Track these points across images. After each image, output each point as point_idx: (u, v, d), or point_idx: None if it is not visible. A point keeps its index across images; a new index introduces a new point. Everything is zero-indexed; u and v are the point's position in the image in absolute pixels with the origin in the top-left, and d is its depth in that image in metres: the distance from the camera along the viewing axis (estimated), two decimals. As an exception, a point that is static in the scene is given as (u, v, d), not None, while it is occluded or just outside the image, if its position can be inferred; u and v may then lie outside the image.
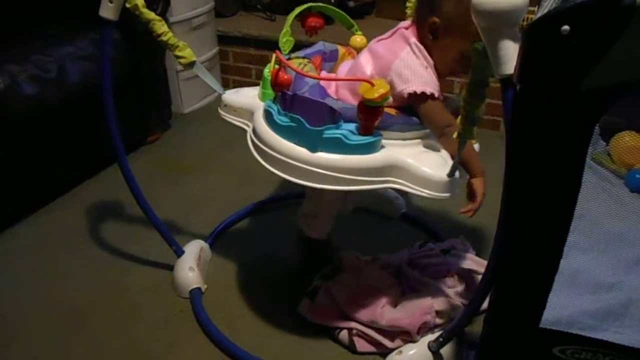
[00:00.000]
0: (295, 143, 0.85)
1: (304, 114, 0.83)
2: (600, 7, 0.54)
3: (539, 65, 0.60)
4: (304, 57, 1.00)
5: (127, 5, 0.94)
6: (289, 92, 0.87)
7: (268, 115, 0.90)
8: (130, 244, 1.37)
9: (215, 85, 1.06)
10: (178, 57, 1.00)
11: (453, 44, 0.90)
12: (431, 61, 0.92)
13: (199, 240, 1.30)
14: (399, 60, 0.91)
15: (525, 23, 0.65)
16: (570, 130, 0.62)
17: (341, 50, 1.09)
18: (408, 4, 1.07)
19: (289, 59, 0.99)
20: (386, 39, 0.98)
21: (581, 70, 0.58)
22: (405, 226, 1.43)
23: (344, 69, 1.03)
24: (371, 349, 1.03)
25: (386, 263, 1.14)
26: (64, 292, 1.23)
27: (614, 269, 1.01)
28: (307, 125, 0.83)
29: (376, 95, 0.79)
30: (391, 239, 1.37)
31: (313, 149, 0.84)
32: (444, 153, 0.89)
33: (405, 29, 0.95)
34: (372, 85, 0.79)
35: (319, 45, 1.07)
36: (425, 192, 0.85)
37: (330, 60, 1.07)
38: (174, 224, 1.43)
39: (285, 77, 0.92)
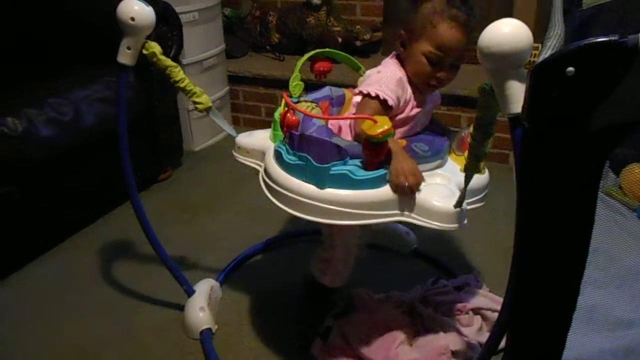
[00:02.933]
0: (304, 180, 0.88)
1: (311, 152, 0.87)
2: (604, 48, 0.55)
3: (545, 105, 0.61)
4: (312, 101, 1.03)
5: (145, 52, 0.97)
6: (297, 132, 0.90)
7: (278, 155, 0.93)
8: (140, 283, 1.37)
9: (229, 128, 1.10)
10: (196, 102, 1.03)
11: (416, 49, 0.94)
12: (403, 71, 0.97)
13: (210, 279, 1.29)
14: (374, 72, 0.99)
15: (532, 59, 0.67)
16: (580, 168, 0.62)
17: (348, 94, 1.12)
18: None
19: (298, 102, 1.02)
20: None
21: (587, 110, 0.58)
22: (417, 262, 1.42)
23: (349, 115, 1.06)
24: (386, 390, 1.00)
25: (399, 301, 1.13)
26: (73, 332, 1.22)
27: (632, 304, 0.99)
28: (314, 163, 0.85)
29: (378, 131, 0.80)
30: (403, 275, 1.36)
31: (321, 186, 0.86)
32: (451, 185, 0.90)
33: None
34: (375, 122, 0.81)
35: (326, 90, 1.10)
36: (433, 224, 0.86)
37: (337, 105, 1.10)
38: (184, 262, 1.43)
39: (293, 118, 0.95)
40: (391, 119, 0.92)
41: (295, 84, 1.05)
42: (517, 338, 0.78)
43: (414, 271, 1.37)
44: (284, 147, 0.91)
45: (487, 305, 1.10)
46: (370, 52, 2.26)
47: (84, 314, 1.28)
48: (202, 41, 2.01)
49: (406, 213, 0.87)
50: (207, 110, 1.05)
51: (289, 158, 0.90)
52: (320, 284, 1.15)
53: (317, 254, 1.15)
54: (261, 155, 1.02)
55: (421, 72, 0.95)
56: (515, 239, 0.73)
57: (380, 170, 0.86)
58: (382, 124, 0.81)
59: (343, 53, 1.16)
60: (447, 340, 0.98)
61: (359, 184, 0.85)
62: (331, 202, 0.86)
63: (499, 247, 1.43)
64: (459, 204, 0.85)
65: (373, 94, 0.92)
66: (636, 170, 1.44)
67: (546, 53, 0.74)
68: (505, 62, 0.65)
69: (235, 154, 1.09)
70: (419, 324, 1.07)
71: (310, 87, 1.11)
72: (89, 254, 1.50)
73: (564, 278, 0.70)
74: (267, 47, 2.35)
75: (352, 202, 0.85)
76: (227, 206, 1.74)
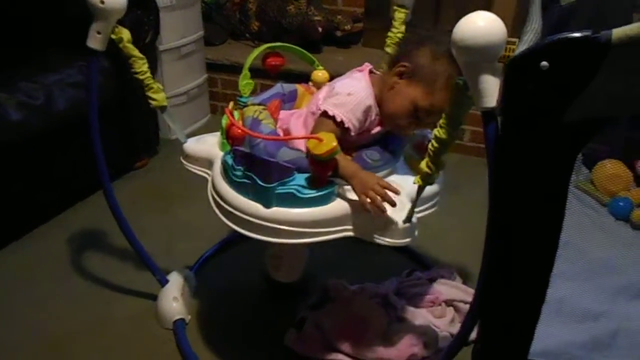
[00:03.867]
0: (250, 199, 0.86)
1: (255, 172, 0.84)
2: (577, 44, 0.56)
3: (520, 99, 0.61)
4: (259, 104, 1.00)
5: (113, 37, 0.95)
6: (241, 149, 0.88)
7: (225, 169, 0.91)
8: (113, 273, 1.34)
9: (180, 133, 1.07)
10: (151, 98, 1.01)
11: (410, 90, 0.89)
12: (372, 92, 0.92)
13: (184, 269, 1.28)
14: (341, 81, 0.94)
15: (508, 53, 0.67)
16: (552, 162, 0.63)
17: (300, 89, 1.10)
18: (390, 34, 1.09)
19: (246, 105, 1.00)
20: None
21: (560, 105, 0.59)
22: (392, 254, 1.42)
23: (302, 113, 1.02)
24: (359, 381, 1.01)
25: (374, 292, 1.13)
26: (44, 322, 1.20)
27: (600, 297, 1.02)
28: (260, 183, 0.83)
29: (324, 150, 0.79)
30: (378, 267, 1.36)
31: (267, 205, 0.84)
32: (402, 196, 0.86)
33: (359, 71, 0.97)
34: (320, 140, 0.80)
35: (277, 88, 1.08)
36: (383, 240, 0.85)
37: (289, 101, 1.07)
38: (158, 252, 1.40)
39: (239, 131, 0.92)
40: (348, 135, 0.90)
41: (245, 83, 1.02)
42: (487, 329, 0.79)
43: (389, 263, 1.37)
44: (229, 162, 0.89)
45: (459, 297, 1.12)
46: (351, 43, 2.25)
47: (56, 303, 1.26)
48: (180, 27, 1.97)
49: (355, 229, 0.86)
50: (161, 109, 1.02)
51: (235, 174, 0.87)
52: (275, 280, 1.16)
53: (268, 250, 1.14)
54: (209, 163, 1.00)
55: (400, 115, 0.91)
56: (487, 231, 0.73)
57: (328, 187, 0.85)
58: (328, 143, 0.79)
59: (296, 47, 1.14)
60: (419, 332, 0.99)
61: (306, 202, 0.84)
62: (278, 222, 0.84)
63: (474, 240, 1.42)
64: (408, 218, 0.83)
65: (338, 119, 0.88)
66: (608, 166, 1.47)
67: (522, 47, 0.74)
68: (480, 56, 0.65)
69: (183, 161, 1.06)
70: (392, 315, 1.07)
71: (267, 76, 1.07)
72: (61, 241, 1.47)
73: (534, 270, 0.71)
74: (247, 35, 2.31)
75: (299, 221, 0.84)
76: (203, 196, 1.68)
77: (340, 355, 1.01)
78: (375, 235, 0.85)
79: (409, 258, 1.39)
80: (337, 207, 0.86)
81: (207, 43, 2.20)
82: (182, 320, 1.17)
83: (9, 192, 1.39)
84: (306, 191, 0.84)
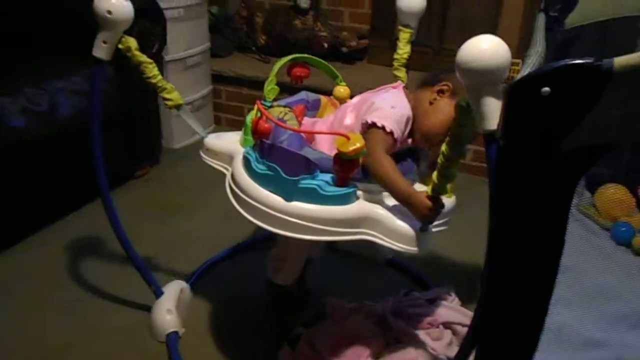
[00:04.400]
0: (271, 191, 0.86)
1: (280, 163, 0.85)
2: (579, 71, 0.55)
3: (520, 124, 0.60)
4: (285, 106, 1.01)
5: (120, 47, 0.95)
6: (267, 141, 0.89)
7: (246, 162, 0.91)
8: (109, 282, 1.34)
9: (199, 128, 1.08)
10: (166, 99, 1.02)
11: (451, 108, 0.87)
12: (408, 105, 0.95)
13: (180, 281, 1.27)
14: (380, 96, 0.95)
15: (513, 74, 0.67)
16: (552, 187, 0.62)
17: (324, 100, 1.12)
18: (395, 55, 1.10)
19: (271, 106, 1.01)
20: (373, 91, 1.01)
21: (561, 131, 0.58)
22: (391, 273, 1.42)
23: (326, 121, 1.05)
24: (353, 401, 0.99)
25: (371, 312, 1.12)
26: (37, 331, 1.18)
27: (601, 324, 1.00)
28: (283, 175, 0.84)
29: (350, 149, 0.80)
30: (376, 285, 1.35)
31: (288, 198, 0.85)
32: None
33: (393, 87, 0.99)
34: (348, 139, 0.81)
35: (302, 95, 1.09)
36: (397, 246, 0.85)
37: (312, 109, 1.09)
38: (155, 262, 1.40)
39: (265, 126, 0.93)
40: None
41: (271, 88, 1.03)
42: (484, 355, 0.77)
43: (388, 281, 1.36)
44: (253, 155, 0.90)
45: (458, 320, 1.10)
46: (356, 59, 2.26)
47: (50, 312, 1.24)
48: (187, 38, 1.99)
49: (372, 232, 0.87)
50: (177, 107, 1.03)
51: (258, 167, 0.88)
52: (278, 287, 1.16)
53: (272, 252, 1.14)
54: (229, 158, 1.01)
55: (439, 130, 0.92)
56: (486, 255, 0.72)
57: (349, 187, 0.86)
58: (355, 142, 0.80)
59: (322, 60, 1.15)
60: (416, 354, 0.97)
61: (327, 200, 0.84)
62: (297, 216, 0.84)
63: (475, 260, 1.43)
64: (424, 226, 0.85)
65: (388, 129, 0.89)
66: (611, 190, 1.46)
67: (525, 71, 0.74)
68: (483, 79, 0.65)
69: (202, 155, 1.07)
70: (389, 336, 1.06)
71: (286, 89, 1.10)
72: (58, 249, 1.46)
73: (533, 296, 0.70)
74: (253, 48, 2.33)
75: (318, 217, 0.84)
76: (203, 207, 1.71)
77: (335, 375, 1.00)
78: (390, 240, 0.85)
79: (408, 277, 1.38)
80: (357, 208, 0.86)
81: (213, 55, 2.22)
82: (176, 333, 1.16)
83: (8, 198, 1.39)
84: (328, 188, 0.84)
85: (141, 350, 1.14)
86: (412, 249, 0.85)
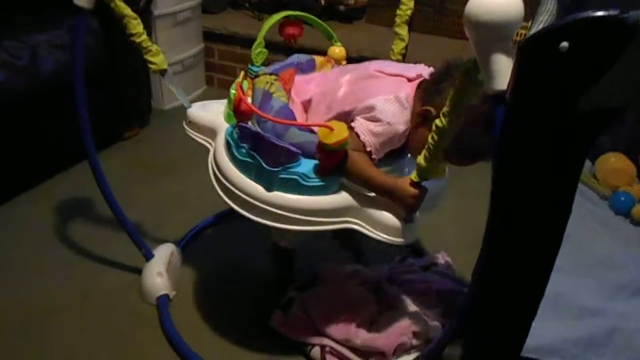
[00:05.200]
0: (252, 179, 0.84)
1: (261, 153, 0.82)
2: (602, 24, 0.51)
3: (534, 82, 0.56)
4: (271, 74, 0.96)
5: (102, -6, 0.88)
6: (248, 126, 0.85)
7: (228, 145, 0.88)
8: (98, 245, 1.31)
9: (183, 97, 1.03)
10: (149, 62, 0.97)
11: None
12: (408, 121, 0.86)
13: (170, 244, 1.24)
14: (382, 101, 0.85)
15: (519, 37, 0.62)
16: (564, 152, 0.59)
17: (319, 60, 1.05)
18: (399, 11, 1.04)
19: (257, 75, 0.96)
20: (387, 75, 0.90)
21: (578, 90, 0.54)
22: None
23: (322, 78, 0.98)
24: (344, 367, 0.98)
25: (365, 278, 1.10)
26: (24, 292, 1.16)
27: (598, 293, 0.99)
28: (264, 165, 0.81)
29: (334, 141, 0.77)
30: (370, 251, 1.33)
31: (269, 188, 0.83)
32: None
33: (409, 80, 0.89)
34: (331, 130, 0.77)
35: (293, 58, 1.03)
36: (382, 237, 0.84)
37: (306, 70, 1.03)
38: (145, 225, 1.36)
39: (247, 107, 0.89)
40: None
41: (259, 52, 0.97)
42: (481, 323, 0.76)
43: (382, 247, 1.34)
44: (234, 139, 0.86)
45: (452, 287, 1.09)
46: (354, 19, 2.17)
47: (36, 273, 1.22)
48: (177, -8, 1.89)
49: (356, 221, 0.85)
50: (162, 72, 0.99)
51: (238, 152, 0.85)
52: (283, 251, 1.13)
53: None
54: (213, 133, 0.97)
55: (419, 150, 0.84)
56: (488, 220, 0.69)
57: (332, 177, 0.83)
58: (339, 134, 0.77)
59: (316, 19, 1.09)
60: (409, 321, 0.96)
61: (309, 190, 0.82)
62: (279, 206, 0.83)
63: (469, 229, 1.40)
64: (410, 218, 0.83)
65: (368, 149, 0.84)
66: (612, 160, 1.43)
67: (537, 27, 0.69)
68: (493, 33, 0.60)
69: (185, 127, 1.03)
70: (383, 303, 1.04)
71: (278, 50, 1.03)
72: (44, 211, 1.42)
73: (535, 265, 0.68)
74: (246, 5, 2.23)
75: (300, 208, 0.83)
76: (194, 169, 1.66)
77: (325, 340, 0.99)
78: (375, 231, 0.84)
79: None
80: (340, 198, 0.84)
81: (205, 11, 2.12)
82: (166, 296, 1.14)
83: (-9, 157, 1.34)
84: (310, 179, 0.82)
85: (131, 312, 1.13)
86: (397, 239, 0.83)
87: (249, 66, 0.97)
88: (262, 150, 0.82)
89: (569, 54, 0.52)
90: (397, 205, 0.82)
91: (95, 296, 1.17)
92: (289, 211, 0.82)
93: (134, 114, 1.80)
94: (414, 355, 0.92)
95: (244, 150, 0.84)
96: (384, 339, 0.93)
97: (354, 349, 0.96)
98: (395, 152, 0.90)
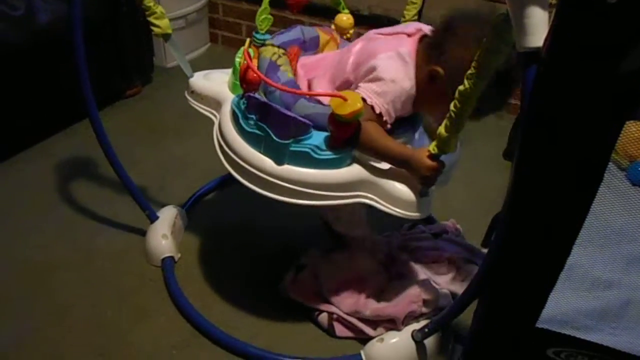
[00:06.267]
0: (260, 152, 0.81)
1: (270, 124, 0.78)
2: (659, -27, 0.46)
3: (575, 38, 0.51)
4: (279, 47, 0.91)
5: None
6: (256, 96, 0.81)
7: (235, 117, 0.84)
8: (101, 205, 1.28)
9: (186, 66, 0.99)
10: (153, 24, 0.93)
11: (448, 95, 0.77)
12: (413, 77, 0.82)
13: (175, 206, 1.22)
14: (383, 58, 0.81)
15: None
16: (602, 116, 0.54)
17: (323, 37, 0.99)
18: None
19: (263, 44, 0.90)
20: (385, 35, 0.87)
21: (624, 48, 0.50)
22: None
23: (329, 59, 0.94)
24: (351, 334, 0.97)
25: (377, 247, 1.06)
26: (27, 251, 1.15)
27: (613, 265, 0.96)
28: (274, 137, 0.78)
29: (348, 111, 0.73)
30: (380, 217, 1.30)
31: (279, 162, 0.80)
32: None
33: (408, 35, 0.85)
34: (345, 99, 0.73)
35: (297, 32, 0.96)
36: (396, 211, 0.81)
37: (310, 49, 0.97)
38: (149, 186, 1.34)
39: (255, 76, 0.84)
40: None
41: (264, 18, 0.92)
42: (495, 293, 0.74)
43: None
44: (241, 110, 0.82)
45: (463, 255, 1.07)
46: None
47: (39, 233, 1.20)
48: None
49: (369, 195, 0.82)
50: (165, 37, 0.94)
51: (246, 124, 0.81)
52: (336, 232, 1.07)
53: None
54: (216, 103, 0.93)
55: (439, 111, 0.79)
56: (510, 186, 0.66)
57: (345, 150, 0.80)
58: (353, 104, 0.73)
59: None
60: (419, 289, 0.95)
61: (321, 163, 0.79)
62: (290, 181, 0.80)
63: (481, 196, 1.38)
64: (424, 191, 0.80)
65: (377, 111, 0.79)
66: (632, 129, 1.37)
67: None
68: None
69: (188, 97, 0.99)
70: (393, 271, 1.03)
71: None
72: (44, 170, 1.39)
73: (558, 234, 0.65)
74: (254, -42, 2.13)
75: (311, 182, 0.80)
76: (197, 129, 1.61)
77: (334, 308, 0.97)
78: (389, 205, 0.81)
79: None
80: (353, 171, 0.81)
81: (209, -37, 2.02)
82: (171, 258, 1.12)
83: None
84: (322, 152, 0.79)
85: (136, 273, 1.12)
86: (413, 214, 0.81)
87: (254, 34, 0.92)
88: (271, 122, 0.78)
89: (617, 6, 0.47)
90: (412, 177, 0.79)
91: (98, 256, 1.15)
92: (300, 185, 0.80)
93: (136, 71, 1.74)
94: (423, 322, 0.90)
95: (252, 122, 0.81)
96: (393, 307, 0.92)
97: (363, 318, 0.95)
98: (406, 123, 0.86)
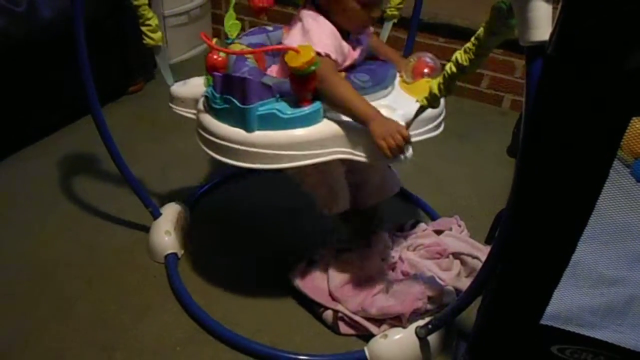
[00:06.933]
0: (230, 124, 0.82)
1: (235, 94, 0.79)
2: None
3: (583, 33, 0.51)
4: (247, 46, 0.93)
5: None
6: (219, 73, 0.82)
7: (207, 101, 0.86)
8: (104, 201, 1.29)
9: (168, 76, 1.02)
10: (145, 34, 0.94)
11: None
12: (327, 22, 0.85)
13: (178, 202, 1.21)
14: (298, 33, 0.85)
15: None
16: (609, 113, 0.54)
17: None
18: None
19: (232, 43, 0.92)
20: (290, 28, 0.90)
21: (627, 46, 0.49)
22: (398, 202, 1.36)
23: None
24: (355, 332, 0.97)
25: (385, 249, 1.06)
26: (30, 247, 1.15)
27: (617, 262, 0.96)
28: (239, 104, 0.78)
29: (302, 62, 0.74)
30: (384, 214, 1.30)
31: (249, 129, 0.80)
32: (395, 116, 0.81)
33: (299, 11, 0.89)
34: (298, 52, 0.74)
35: (262, 37, 0.98)
36: (374, 160, 0.81)
37: (276, 54, 0.97)
38: (152, 182, 1.34)
39: (217, 58, 0.87)
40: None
41: (232, 24, 0.94)
42: (499, 290, 0.73)
43: (395, 211, 1.31)
44: (210, 91, 0.84)
45: (467, 251, 1.06)
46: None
47: (42, 229, 1.21)
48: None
49: (344, 149, 0.82)
50: (155, 49, 0.96)
51: (216, 102, 0.82)
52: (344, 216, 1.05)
53: (302, 188, 1.02)
54: (195, 103, 0.95)
55: (354, 18, 0.85)
56: (513, 183, 0.66)
57: (313, 105, 0.80)
58: (306, 55, 0.73)
59: None
60: (424, 286, 0.94)
61: (290, 123, 0.79)
62: (260, 146, 0.80)
63: (484, 192, 1.38)
64: (397, 159, 0.78)
65: (323, 53, 0.81)
66: (638, 125, 1.37)
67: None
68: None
69: (171, 105, 1.01)
70: (398, 268, 1.02)
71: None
72: (48, 166, 1.39)
73: (563, 232, 0.65)
74: (256, -47, 2.12)
75: (282, 143, 0.79)
76: (201, 126, 1.62)
77: (339, 306, 0.97)
78: (366, 155, 0.81)
79: (415, 207, 1.33)
80: (324, 127, 0.81)
81: (212, -41, 2.02)
82: (175, 254, 1.12)
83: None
84: (288, 111, 0.79)
85: (139, 270, 1.12)
86: (388, 161, 0.80)
87: (225, 39, 0.94)
88: (234, 90, 0.79)
89: (621, 2, 0.47)
90: (376, 143, 0.77)
91: (102, 252, 1.15)
92: (274, 149, 0.80)
93: (139, 67, 1.74)
94: (427, 319, 0.90)
95: (218, 99, 0.82)
96: (400, 306, 0.91)
97: (368, 317, 0.95)
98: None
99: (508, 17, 0.60)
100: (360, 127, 0.79)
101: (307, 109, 0.79)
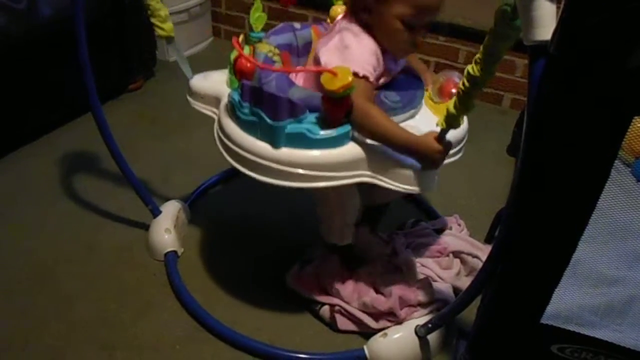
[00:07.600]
0: (257, 138, 0.80)
1: (264, 108, 0.78)
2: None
3: (585, 32, 0.51)
4: (275, 47, 0.91)
5: None
6: (249, 83, 0.81)
7: (231, 107, 0.84)
8: (104, 199, 1.28)
9: (186, 68, 0.99)
10: (157, 26, 0.92)
11: (388, 14, 0.79)
12: (370, 39, 0.83)
13: (178, 201, 1.21)
14: (341, 45, 0.82)
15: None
16: (611, 112, 0.54)
17: (316, 39, 0.97)
18: None
19: (259, 41, 0.90)
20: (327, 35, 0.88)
21: (628, 46, 0.49)
22: (398, 202, 1.36)
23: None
24: (353, 327, 0.97)
25: (382, 250, 1.06)
26: (29, 246, 1.15)
27: (617, 262, 0.96)
28: (268, 120, 0.77)
29: (338, 85, 0.71)
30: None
31: (276, 145, 0.78)
32: None
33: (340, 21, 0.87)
34: (335, 74, 0.72)
35: (290, 37, 0.95)
36: (400, 187, 0.80)
37: (303, 55, 0.96)
38: (152, 181, 1.34)
39: (248, 65, 0.84)
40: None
41: (257, 16, 0.91)
42: (500, 289, 0.73)
43: (395, 210, 1.31)
44: (236, 100, 0.82)
45: (467, 250, 1.06)
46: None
47: (41, 227, 1.20)
48: None
49: (370, 174, 0.81)
50: (168, 40, 0.94)
51: (242, 112, 0.81)
52: (344, 249, 1.04)
53: (318, 212, 1.01)
54: (216, 101, 0.93)
55: (398, 40, 0.82)
56: (515, 183, 0.65)
57: (342, 127, 0.78)
58: (343, 78, 0.72)
59: None
60: (421, 283, 0.94)
61: (318, 144, 0.78)
62: (288, 164, 0.78)
63: (485, 192, 1.38)
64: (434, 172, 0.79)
65: (361, 74, 0.79)
66: (638, 125, 1.37)
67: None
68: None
69: (189, 99, 0.99)
70: (396, 264, 1.02)
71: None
72: (48, 164, 1.39)
73: (564, 231, 0.65)
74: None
75: (309, 163, 0.78)
76: (200, 123, 1.58)
77: (335, 299, 0.97)
78: (393, 182, 0.80)
79: (415, 206, 1.33)
80: (352, 150, 0.79)
81: (212, -43, 2.01)
82: (175, 252, 1.12)
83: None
84: (318, 131, 0.77)
85: (138, 268, 1.12)
86: (416, 189, 0.80)
87: (249, 32, 0.92)
88: (264, 105, 0.78)
89: (623, 1, 0.47)
90: (420, 162, 0.78)
91: (102, 250, 1.15)
92: (299, 167, 0.79)
93: (139, 65, 1.73)
94: (426, 317, 0.90)
95: (246, 110, 0.80)
96: (395, 302, 0.91)
97: (364, 311, 0.95)
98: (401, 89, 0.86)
99: (513, 19, 0.60)
100: (385, 151, 0.79)
101: (335, 131, 0.78)
